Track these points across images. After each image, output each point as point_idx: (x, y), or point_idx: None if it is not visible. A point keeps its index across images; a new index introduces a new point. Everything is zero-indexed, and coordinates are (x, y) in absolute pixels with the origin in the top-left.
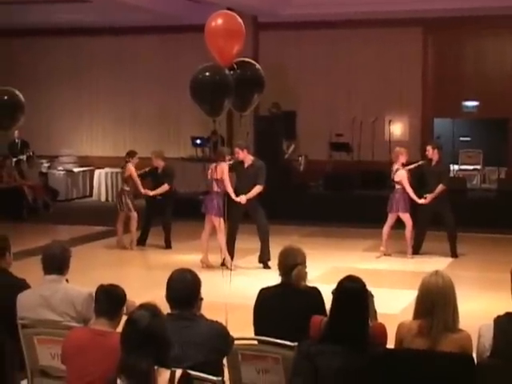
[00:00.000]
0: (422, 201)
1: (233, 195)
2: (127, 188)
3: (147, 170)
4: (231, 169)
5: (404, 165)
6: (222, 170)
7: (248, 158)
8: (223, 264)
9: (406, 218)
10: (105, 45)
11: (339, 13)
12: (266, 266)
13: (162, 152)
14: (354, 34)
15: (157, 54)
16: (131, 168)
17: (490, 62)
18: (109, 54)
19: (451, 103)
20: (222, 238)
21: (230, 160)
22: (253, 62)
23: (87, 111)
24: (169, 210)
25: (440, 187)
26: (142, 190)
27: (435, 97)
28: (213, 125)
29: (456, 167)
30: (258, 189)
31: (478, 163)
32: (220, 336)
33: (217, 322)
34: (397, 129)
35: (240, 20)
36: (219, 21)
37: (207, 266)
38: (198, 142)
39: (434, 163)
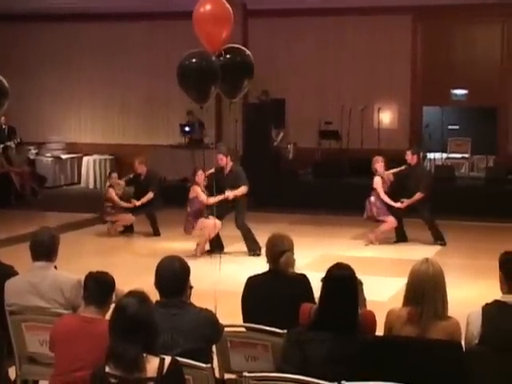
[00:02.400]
0: (398, 205)
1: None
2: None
3: (131, 176)
4: (211, 177)
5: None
6: (196, 191)
7: (229, 165)
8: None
9: (390, 219)
10: (93, 31)
11: (329, 0)
12: (257, 254)
13: (144, 158)
14: (343, 22)
15: (146, 40)
16: (111, 192)
17: (479, 51)
18: (98, 41)
19: (440, 91)
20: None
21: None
22: (242, 47)
23: (76, 98)
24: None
25: (417, 195)
26: (127, 205)
27: (424, 85)
28: (200, 112)
29: (444, 155)
30: (243, 189)
31: (467, 151)
32: (209, 323)
33: (206, 309)
34: (386, 117)
35: (228, 6)
36: (207, 7)
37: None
38: (187, 129)
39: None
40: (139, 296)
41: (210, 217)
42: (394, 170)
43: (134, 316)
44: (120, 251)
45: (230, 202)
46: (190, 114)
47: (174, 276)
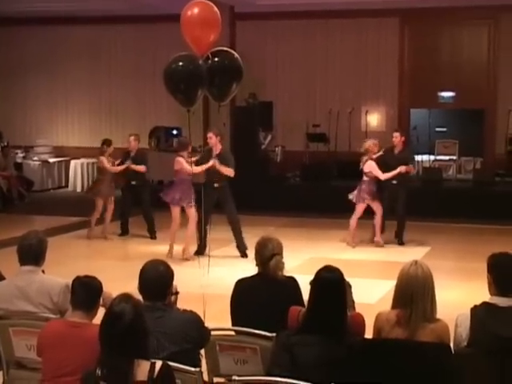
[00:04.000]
0: (398, 170)
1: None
2: (101, 176)
3: (120, 160)
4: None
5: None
6: (180, 162)
7: (218, 147)
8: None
9: (376, 205)
10: (81, 34)
11: (316, 3)
12: (244, 255)
13: (138, 135)
14: (331, 25)
15: (133, 43)
16: (103, 160)
17: (465, 53)
18: (85, 44)
19: (427, 94)
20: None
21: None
22: (231, 51)
23: (63, 101)
24: (146, 199)
25: (406, 167)
26: (119, 168)
27: (411, 87)
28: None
29: (432, 157)
30: (230, 170)
31: (454, 154)
32: (193, 324)
33: (190, 311)
34: (373, 119)
35: (216, 9)
36: (195, 10)
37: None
38: (174, 132)
39: (397, 151)
40: (131, 301)
41: (191, 206)
42: (374, 156)
43: (131, 325)
44: (108, 255)
45: (216, 191)
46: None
47: (157, 279)
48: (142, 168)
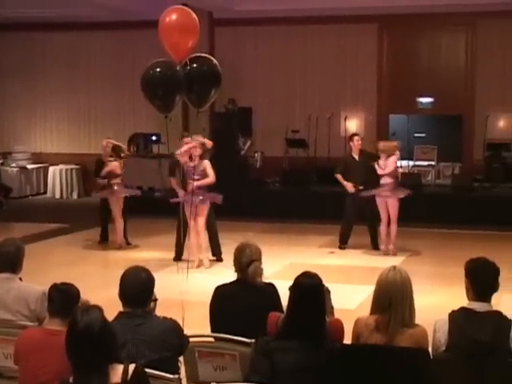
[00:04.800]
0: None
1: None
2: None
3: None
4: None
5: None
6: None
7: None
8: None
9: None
10: (59, 40)
11: (295, 9)
12: (219, 259)
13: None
14: (309, 30)
15: (112, 49)
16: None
17: (443, 59)
18: (63, 50)
19: (406, 99)
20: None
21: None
22: (210, 57)
23: (41, 107)
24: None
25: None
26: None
27: (390, 93)
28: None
29: (411, 163)
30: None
31: (433, 159)
32: (172, 332)
33: (170, 318)
34: (352, 125)
35: (194, 15)
36: (173, 16)
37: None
38: (154, 138)
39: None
40: (95, 310)
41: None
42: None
43: (100, 334)
44: (87, 262)
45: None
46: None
47: (138, 286)
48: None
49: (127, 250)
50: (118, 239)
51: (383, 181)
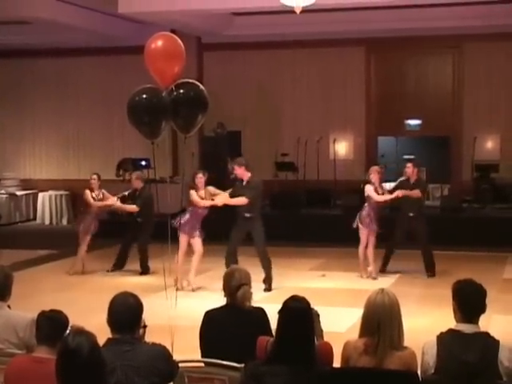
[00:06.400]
0: (395, 194)
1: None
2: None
3: (126, 193)
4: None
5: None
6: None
7: (246, 176)
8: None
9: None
10: (47, 66)
11: (282, 33)
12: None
13: (141, 174)
14: (297, 54)
15: (100, 75)
16: (87, 194)
17: (431, 81)
18: (51, 76)
19: (394, 122)
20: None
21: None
22: (196, 82)
23: (30, 133)
24: (145, 234)
25: (416, 192)
26: (104, 203)
27: (378, 115)
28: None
29: None
30: (241, 199)
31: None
32: (161, 358)
33: (159, 344)
34: (341, 148)
35: (179, 41)
36: (158, 42)
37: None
38: (143, 163)
39: (412, 181)
40: (85, 335)
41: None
42: (391, 185)
43: (89, 359)
44: (76, 288)
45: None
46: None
47: (127, 312)
48: (131, 208)
49: (118, 276)
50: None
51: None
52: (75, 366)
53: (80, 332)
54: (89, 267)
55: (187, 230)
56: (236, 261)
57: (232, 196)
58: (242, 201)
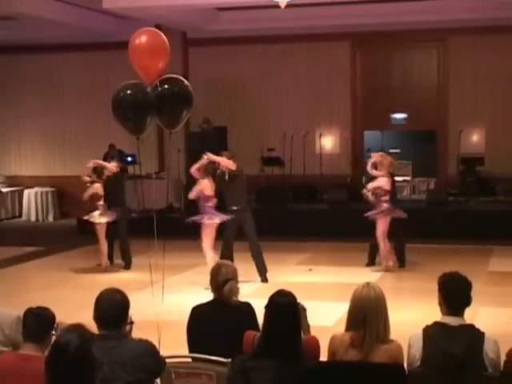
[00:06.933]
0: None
1: None
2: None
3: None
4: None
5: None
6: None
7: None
8: None
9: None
10: (31, 62)
11: (268, 28)
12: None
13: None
14: (283, 49)
15: (85, 71)
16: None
17: (416, 75)
18: (36, 72)
19: (380, 116)
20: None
21: None
22: (181, 78)
23: (15, 130)
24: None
25: None
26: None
27: (364, 110)
28: (138, 142)
29: None
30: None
31: (408, 174)
32: (148, 353)
33: (146, 340)
34: (327, 142)
35: (164, 37)
36: (142, 38)
37: None
38: (129, 159)
39: None
40: (78, 331)
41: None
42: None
43: (76, 356)
44: (63, 285)
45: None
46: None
47: (113, 308)
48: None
49: (103, 272)
50: (103, 261)
51: None
52: (62, 362)
53: (72, 328)
54: (76, 264)
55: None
56: (231, 255)
57: (219, 191)
58: (228, 162)
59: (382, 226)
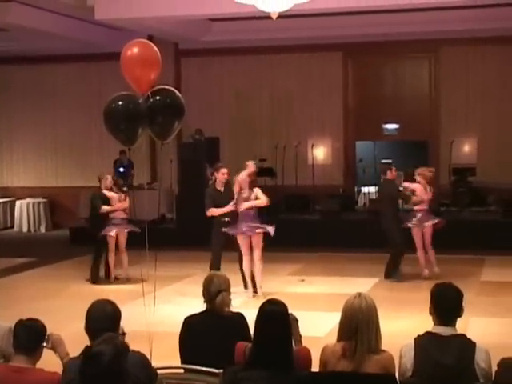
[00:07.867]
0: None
1: None
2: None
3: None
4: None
5: None
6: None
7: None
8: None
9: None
10: (24, 73)
11: (260, 39)
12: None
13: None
14: (275, 60)
15: (77, 82)
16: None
17: (408, 85)
18: (28, 83)
19: (372, 126)
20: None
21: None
22: (172, 89)
23: (7, 141)
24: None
25: None
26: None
27: (356, 120)
28: (129, 153)
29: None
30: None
31: (400, 185)
32: (140, 365)
33: (138, 352)
34: (320, 153)
35: (155, 48)
36: (134, 49)
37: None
38: (121, 170)
39: None
40: (113, 342)
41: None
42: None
43: (108, 367)
44: (55, 296)
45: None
46: (123, 154)
47: (104, 319)
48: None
49: (94, 284)
50: (123, 273)
51: None
52: (94, 372)
53: (109, 338)
54: (68, 275)
55: (244, 231)
56: (219, 267)
57: (218, 203)
58: (264, 202)
59: (427, 235)
